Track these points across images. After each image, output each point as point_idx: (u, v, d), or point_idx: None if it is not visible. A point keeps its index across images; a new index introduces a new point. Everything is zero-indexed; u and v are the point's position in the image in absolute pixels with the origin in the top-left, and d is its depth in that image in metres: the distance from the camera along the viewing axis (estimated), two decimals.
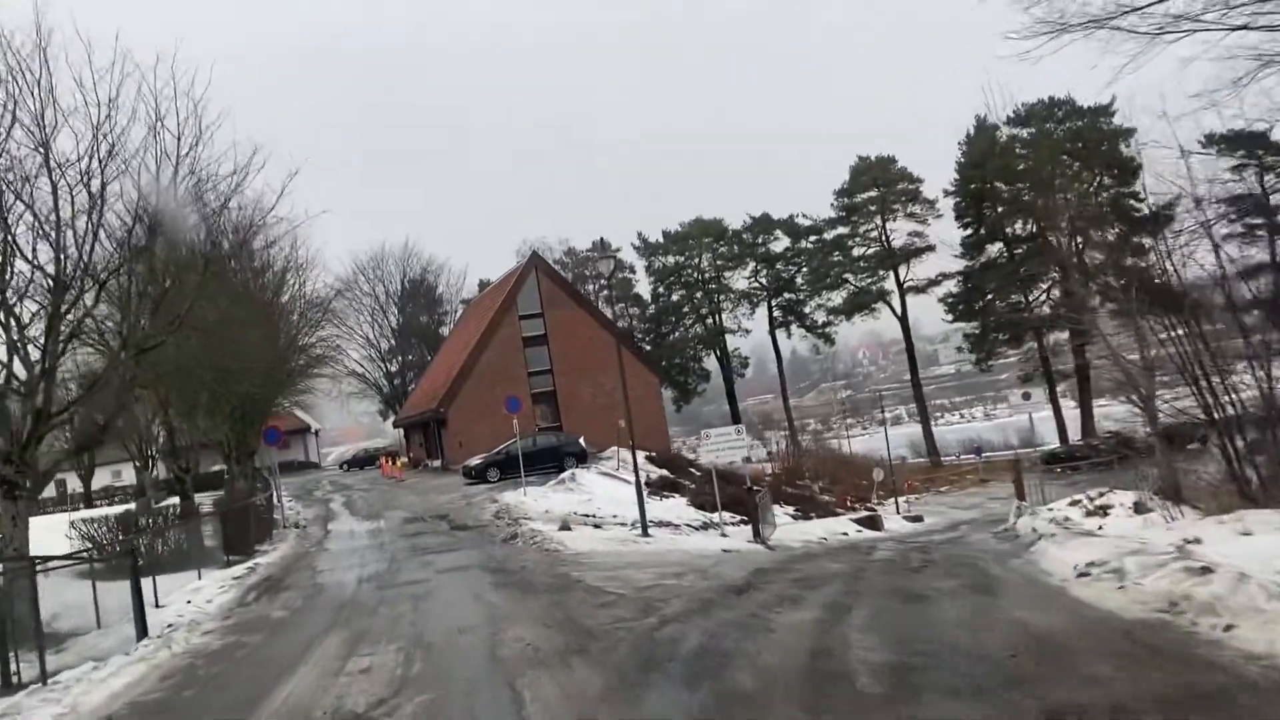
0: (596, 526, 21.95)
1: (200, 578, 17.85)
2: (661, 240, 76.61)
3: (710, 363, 76.42)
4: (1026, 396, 63.46)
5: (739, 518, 30.98)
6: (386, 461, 50.35)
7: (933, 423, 76.36)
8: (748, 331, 75.84)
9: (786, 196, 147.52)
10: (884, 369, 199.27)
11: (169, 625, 13.03)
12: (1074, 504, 17.15)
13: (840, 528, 29.89)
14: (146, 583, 13.65)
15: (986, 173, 61.13)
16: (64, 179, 13.24)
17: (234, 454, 27.30)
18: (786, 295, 75.86)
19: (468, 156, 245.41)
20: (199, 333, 16.95)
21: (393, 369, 79.97)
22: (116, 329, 15.25)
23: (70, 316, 13.89)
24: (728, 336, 75.47)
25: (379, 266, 75.51)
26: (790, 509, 35.78)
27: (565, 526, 20.21)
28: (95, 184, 13.39)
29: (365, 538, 23.41)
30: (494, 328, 46.87)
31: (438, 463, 49.87)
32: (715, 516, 30.02)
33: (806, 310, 74.70)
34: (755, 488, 24.49)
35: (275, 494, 28.10)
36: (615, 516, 26.16)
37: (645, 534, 18.51)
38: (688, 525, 27.79)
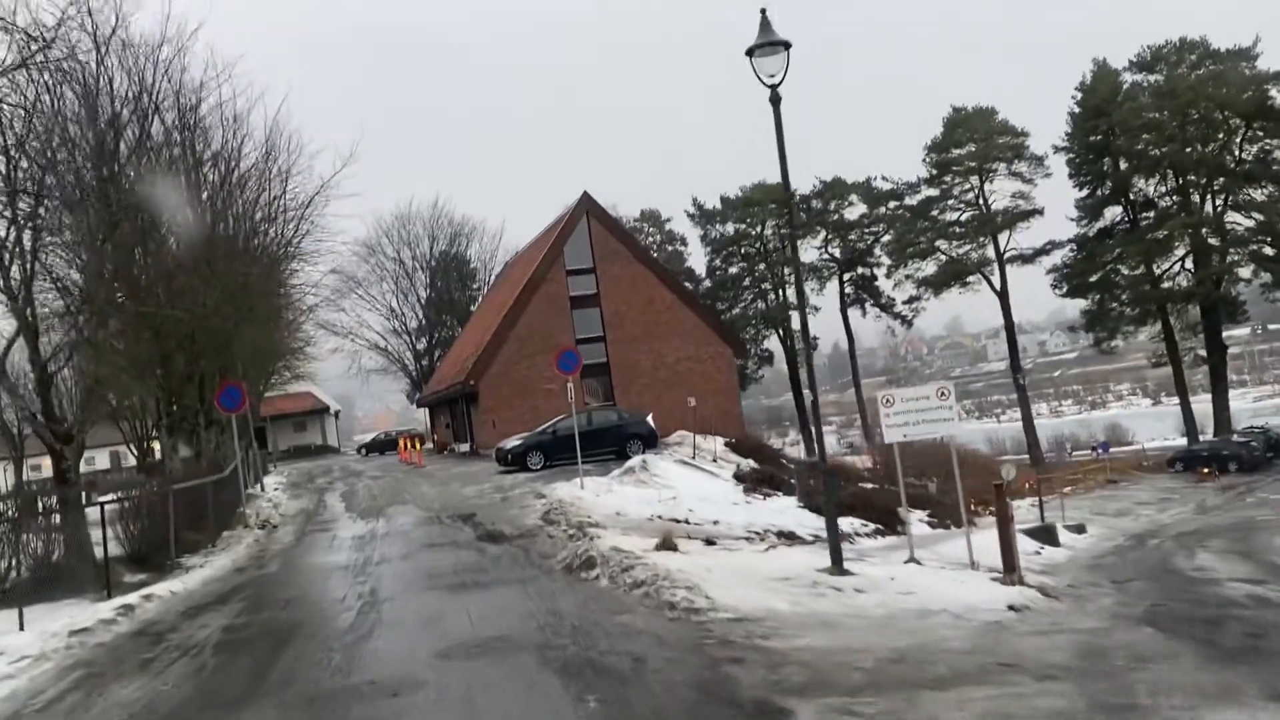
0: (709, 543, 13.73)
1: (22, 627, 9.87)
2: (719, 207, 68.24)
3: (773, 344, 67.94)
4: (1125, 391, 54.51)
5: (873, 525, 22.79)
6: (405, 445, 42.40)
7: (998, 417, 68.24)
8: (816, 309, 67.19)
9: (862, 162, 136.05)
10: (929, 364, 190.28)
11: None
12: None
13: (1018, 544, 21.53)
14: None
15: (1110, 122, 52.15)
16: None
17: (177, 420, 19.09)
18: (860, 270, 67.33)
19: (507, 121, 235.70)
20: None
21: (420, 348, 72.15)
22: None
23: None
24: (793, 314, 66.83)
25: (405, 228, 67.66)
26: (918, 514, 27.36)
27: (667, 544, 12.00)
28: None
29: (348, 550, 15.37)
30: (536, 284, 38.68)
31: (466, 446, 41.85)
32: (846, 525, 21.79)
33: (882, 287, 66.22)
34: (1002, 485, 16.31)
35: (241, 479, 20.12)
36: (718, 523, 18.19)
37: (840, 569, 9.99)
38: (817, 536, 19.60)
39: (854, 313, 67.06)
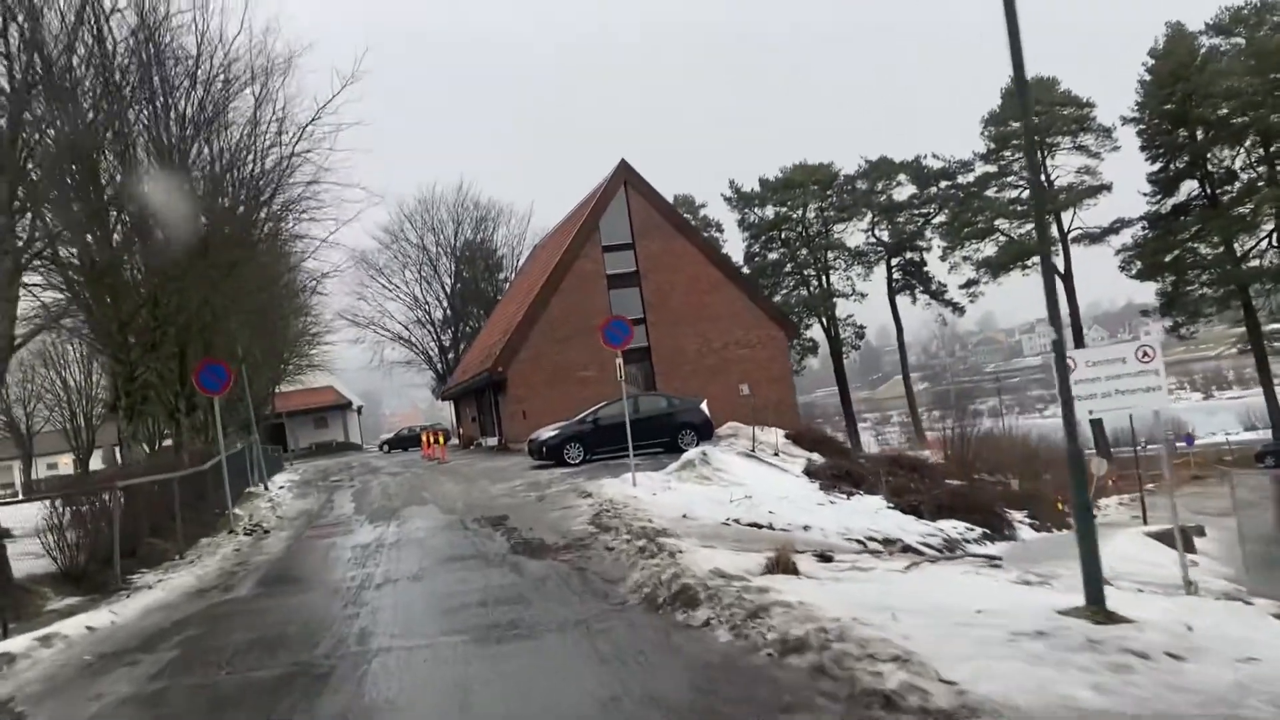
0: (824, 558, 10.07)
1: None
2: (758, 189, 64.51)
3: (816, 333, 64.07)
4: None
5: (978, 529, 19.15)
6: (427, 439, 39.02)
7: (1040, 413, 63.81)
8: (863, 295, 63.32)
9: (911, 139, 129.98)
10: (962, 360, 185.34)
11: None
12: None
13: (1146, 552, 17.85)
14: None
15: (1188, 89, 48.00)
16: None
17: (136, 400, 15.47)
18: (909, 254, 63.39)
19: (538, 103, 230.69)
20: None
21: (446, 342, 68.91)
22: None
23: None
24: (838, 301, 63.10)
25: (428, 212, 64.39)
26: (1016, 515, 23.65)
27: (783, 565, 8.45)
28: None
29: (345, 565, 11.93)
30: (569, 261, 35.16)
31: (493, 440, 38.42)
32: (951, 529, 18.22)
33: (933, 272, 62.30)
34: None
35: (227, 474, 16.71)
36: (809, 528, 14.68)
37: (1104, 610, 6.12)
38: (927, 544, 15.98)
39: (902, 301, 63.10)
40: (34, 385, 53.15)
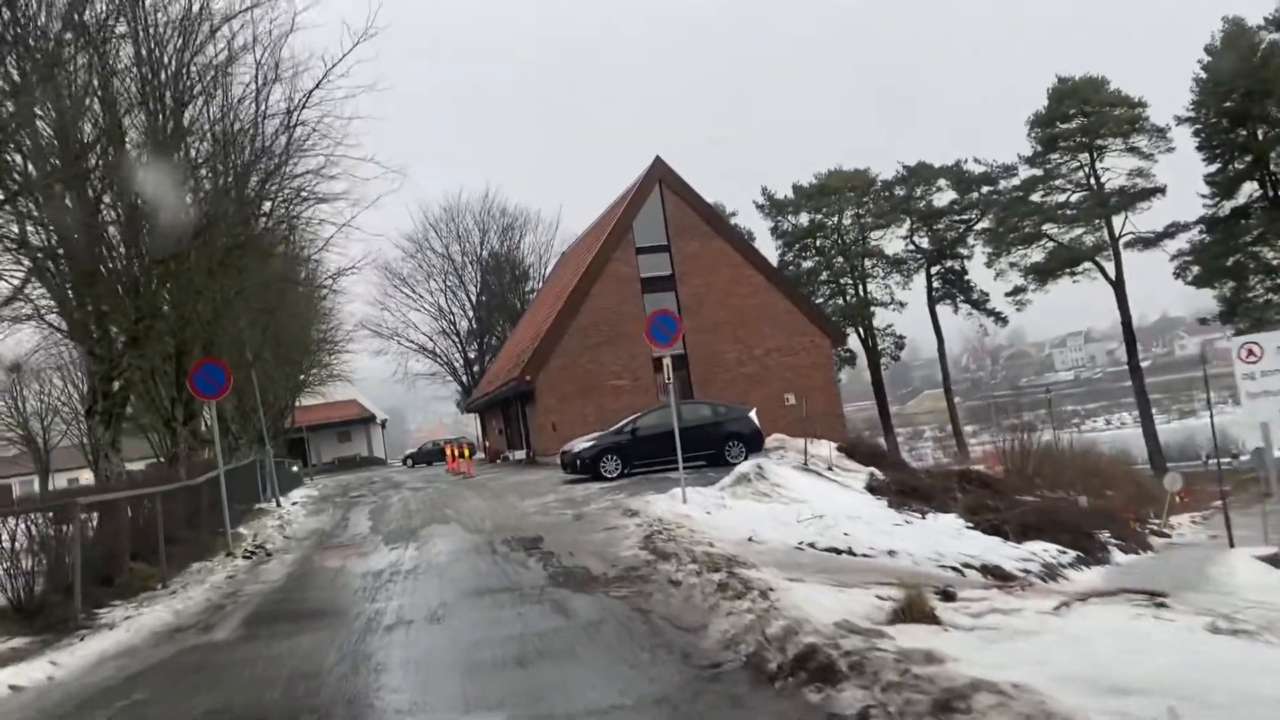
0: (946, 597, 7.94)
1: None
2: (791, 196, 62.41)
3: (852, 343, 61.68)
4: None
5: (1071, 552, 16.96)
6: (451, 453, 37.14)
7: (1077, 427, 60.79)
8: (902, 305, 60.98)
9: (950, 144, 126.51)
10: (994, 374, 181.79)
11: None
12: None
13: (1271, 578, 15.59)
14: None
15: (1249, 86, 45.56)
16: None
17: (116, 404, 13.46)
18: (949, 262, 61.02)
19: (567, 110, 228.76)
20: None
21: (471, 355, 67.15)
22: None
23: None
24: (876, 310, 60.79)
25: (454, 221, 62.73)
26: (1101, 535, 21.31)
27: (918, 612, 6.34)
28: None
29: (352, 596, 9.99)
30: (602, 264, 33.20)
31: (521, 454, 36.44)
32: (1042, 552, 16.07)
33: (973, 280, 59.91)
34: None
35: (223, 488, 14.77)
36: (894, 553, 12.59)
37: None
38: (1026, 570, 13.85)
39: (943, 311, 60.68)
40: (50, 398, 51.86)
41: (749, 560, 9.40)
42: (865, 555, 12.24)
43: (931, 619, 6.41)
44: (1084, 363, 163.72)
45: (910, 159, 62.12)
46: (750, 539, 11.95)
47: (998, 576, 13.13)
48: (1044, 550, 16.39)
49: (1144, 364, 56.36)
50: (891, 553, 12.54)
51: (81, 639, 8.62)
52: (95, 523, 11.37)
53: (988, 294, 59.65)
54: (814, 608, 6.35)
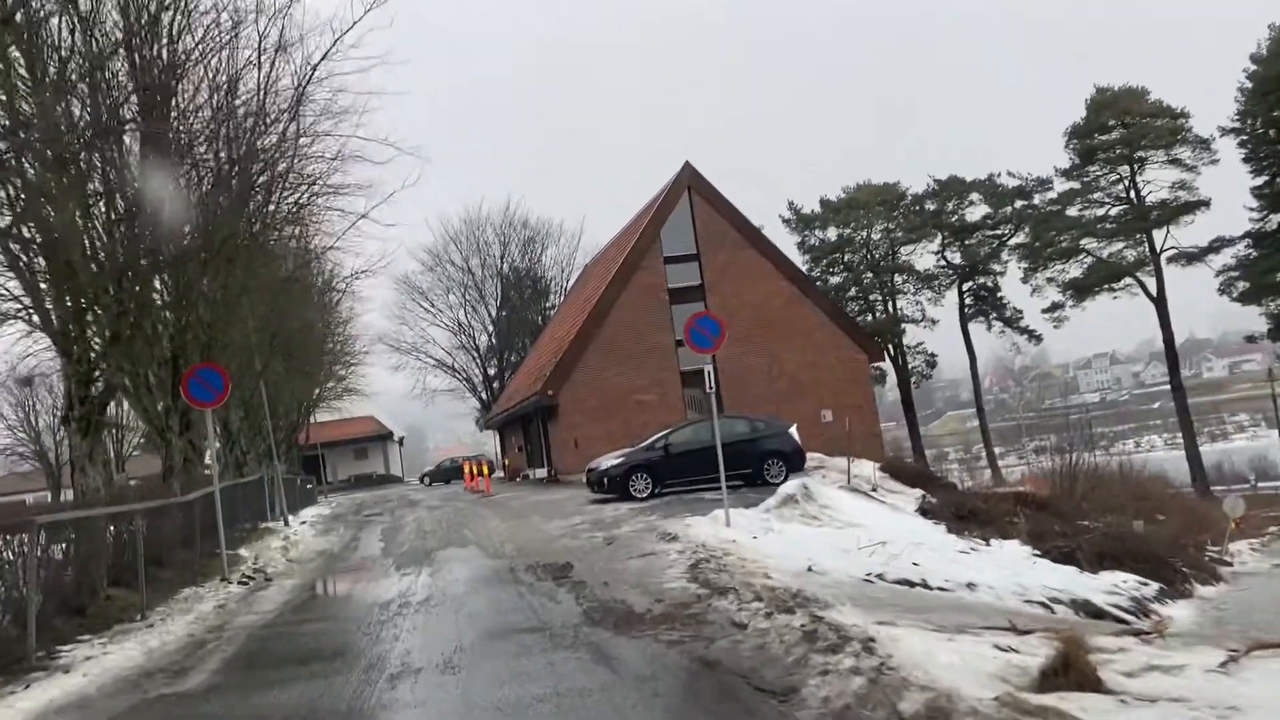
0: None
1: None
2: (819, 210, 60.92)
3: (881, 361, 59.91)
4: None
5: (1154, 584, 15.34)
6: (470, 470, 35.72)
7: (1105, 449, 58.27)
8: (933, 322, 59.26)
9: (982, 158, 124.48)
10: (1017, 396, 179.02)
11: None
12: None
13: None
14: None
15: None
16: None
17: (93, 409, 11.91)
18: (980, 279, 59.28)
19: (589, 120, 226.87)
20: None
21: (491, 371, 65.84)
22: None
23: None
24: (906, 327, 59.08)
25: (474, 234, 61.52)
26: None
27: (1080, 673, 4.80)
28: None
29: (357, 635, 8.56)
30: (628, 273, 31.83)
31: (542, 472, 34.97)
32: (1123, 584, 14.51)
33: (1006, 297, 58.13)
34: None
35: (218, 506, 13.35)
36: (974, 586, 11.05)
37: None
38: (1117, 607, 12.29)
39: (975, 329, 58.88)
40: (63, 411, 50.97)
41: (820, 596, 7.91)
42: (942, 589, 10.72)
43: (1094, 682, 4.91)
44: (1109, 385, 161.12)
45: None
46: (810, 568, 10.47)
47: (1089, 614, 11.61)
48: (1124, 581, 14.77)
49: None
50: (970, 585, 11.01)
51: (27, 686, 7.23)
52: (67, 545, 10.02)
53: (1021, 311, 57.93)
54: (939, 668, 4.86)
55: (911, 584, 10.61)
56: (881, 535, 13.32)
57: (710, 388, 14.21)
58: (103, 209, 11.39)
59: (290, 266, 19.08)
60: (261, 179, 14.45)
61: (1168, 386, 53.08)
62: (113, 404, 10.80)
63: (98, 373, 10.58)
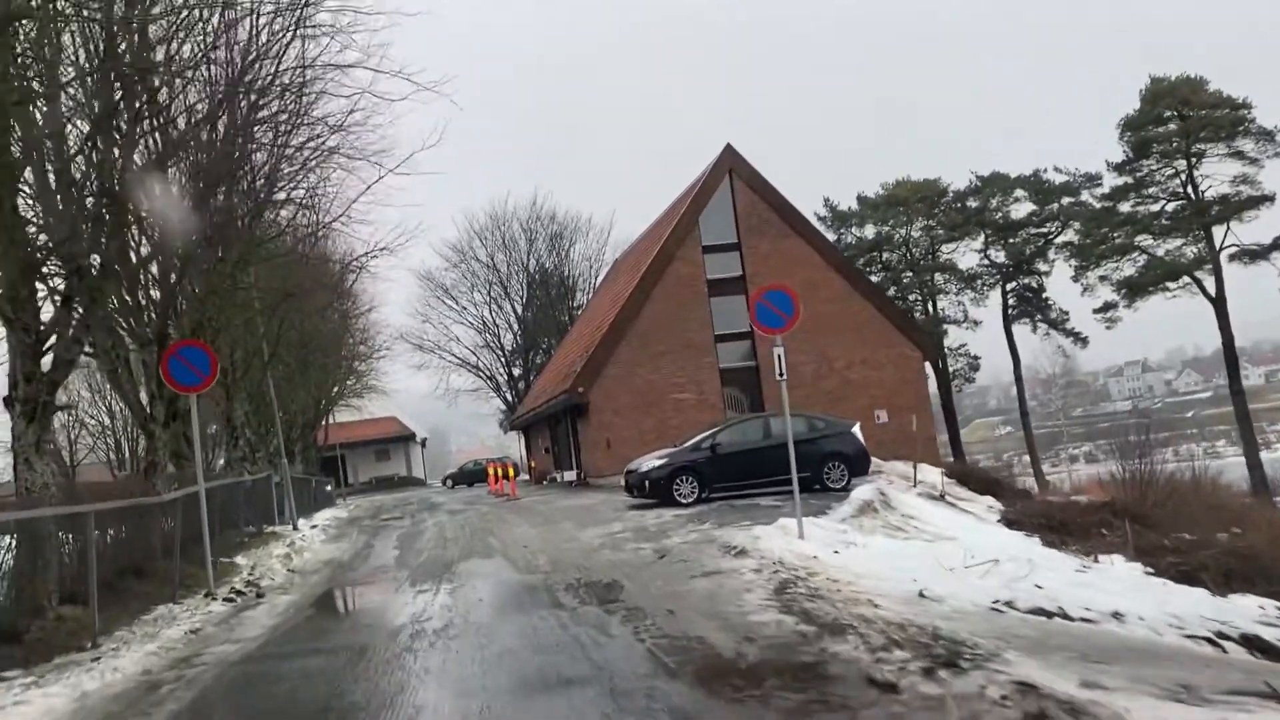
0: None
1: None
2: (856, 207, 58.71)
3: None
4: None
5: None
6: (494, 473, 33.77)
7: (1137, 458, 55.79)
8: (976, 323, 56.84)
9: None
10: (1047, 404, 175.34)
11: None
12: None
13: None
14: None
15: None
16: None
17: (42, 389, 10.04)
18: (1024, 279, 56.80)
19: (625, 115, 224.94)
20: None
21: (516, 371, 64.06)
22: None
23: None
24: (948, 328, 56.63)
25: (500, 229, 59.74)
26: None
27: None
28: None
29: (358, 673, 6.54)
30: (664, 263, 29.78)
31: (571, 475, 32.96)
32: (1271, 611, 12.19)
33: (1052, 298, 55.61)
34: None
35: (203, 510, 11.40)
36: (1123, 616, 8.85)
37: None
38: None
39: (1020, 331, 56.36)
40: (76, 412, 49.58)
41: (965, 637, 5.86)
42: (1085, 619, 8.59)
43: None
44: (1141, 392, 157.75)
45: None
46: (921, 594, 8.38)
47: (1260, 650, 9.49)
48: (1256, 608, 12.56)
49: (1206, 395, 51.80)
50: (1117, 615, 8.86)
51: None
52: (4, 553, 8.11)
53: (1067, 312, 55.35)
54: None
55: (1049, 614, 8.48)
56: (982, 550, 11.20)
57: (781, 373, 12.15)
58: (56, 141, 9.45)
59: (297, 237, 17.11)
60: (262, 112, 12.47)
61: (1201, 395, 50.60)
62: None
63: (47, 346, 8.72)
